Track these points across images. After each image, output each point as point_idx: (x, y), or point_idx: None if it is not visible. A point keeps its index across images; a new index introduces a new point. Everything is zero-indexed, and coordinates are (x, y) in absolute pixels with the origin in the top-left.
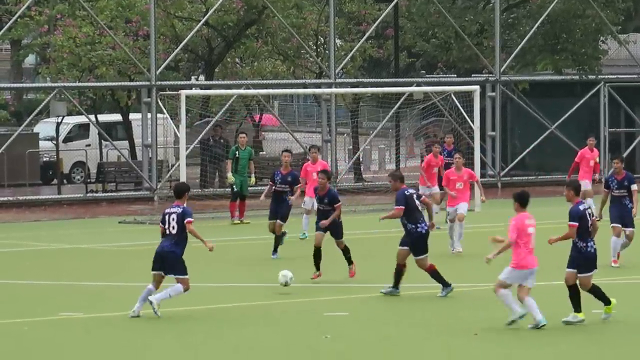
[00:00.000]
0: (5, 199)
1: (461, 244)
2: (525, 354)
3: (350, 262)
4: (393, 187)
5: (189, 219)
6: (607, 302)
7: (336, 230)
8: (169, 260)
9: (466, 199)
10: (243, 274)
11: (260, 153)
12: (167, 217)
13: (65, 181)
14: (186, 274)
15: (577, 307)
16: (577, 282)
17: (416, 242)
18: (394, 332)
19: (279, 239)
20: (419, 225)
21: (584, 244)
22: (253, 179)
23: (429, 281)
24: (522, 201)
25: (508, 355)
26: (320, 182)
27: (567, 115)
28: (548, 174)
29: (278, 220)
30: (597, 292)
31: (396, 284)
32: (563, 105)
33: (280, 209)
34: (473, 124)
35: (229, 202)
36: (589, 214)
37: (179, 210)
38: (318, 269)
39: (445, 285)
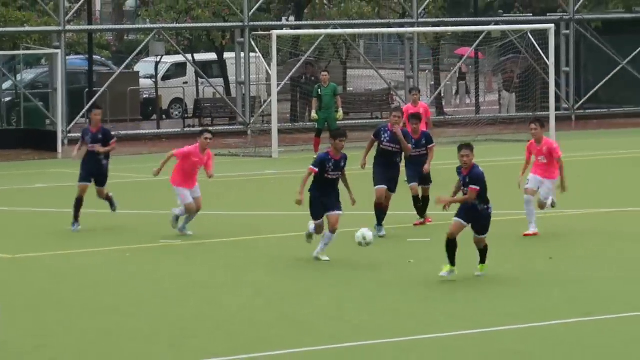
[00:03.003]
0: None
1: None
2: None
3: (424, 213)
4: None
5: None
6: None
7: (425, 177)
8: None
9: (554, 175)
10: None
11: (349, 89)
12: None
13: (164, 117)
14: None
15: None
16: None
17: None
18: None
19: None
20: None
21: (485, 206)
22: (340, 113)
23: None
24: None
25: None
26: (413, 127)
27: (637, 51)
28: (620, 107)
29: None
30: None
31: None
32: (634, 42)
33: None
34: (548, 60)
35: (314, 137)
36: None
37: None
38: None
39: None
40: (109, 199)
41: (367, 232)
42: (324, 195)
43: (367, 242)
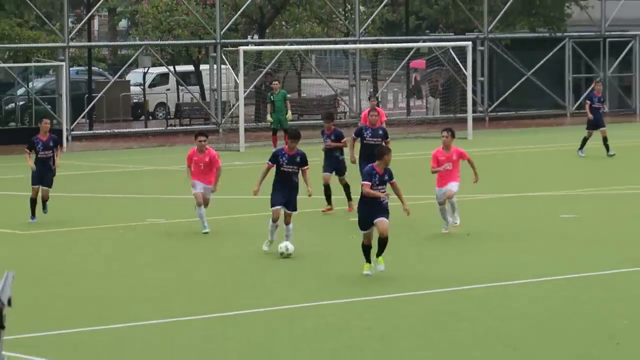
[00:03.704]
0: (104, 131)
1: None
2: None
3: (349, 198)
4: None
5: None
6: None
7: (340, 168)
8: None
9: (456, 179)
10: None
11: (302, 95)
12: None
13: (150, 117)
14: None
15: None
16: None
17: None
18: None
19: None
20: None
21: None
22: (289, 115)
23: None
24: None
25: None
26: (325, 126)
27: (539, 64)
28: (525, 110)
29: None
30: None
31: None
32: (537, 57)
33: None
34: (466, 71)
35: (271, 136)
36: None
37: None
38: (329, 203)
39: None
40: (46, 201)
41: (289, 245)
42: (282, 188)
43: (288, 254)
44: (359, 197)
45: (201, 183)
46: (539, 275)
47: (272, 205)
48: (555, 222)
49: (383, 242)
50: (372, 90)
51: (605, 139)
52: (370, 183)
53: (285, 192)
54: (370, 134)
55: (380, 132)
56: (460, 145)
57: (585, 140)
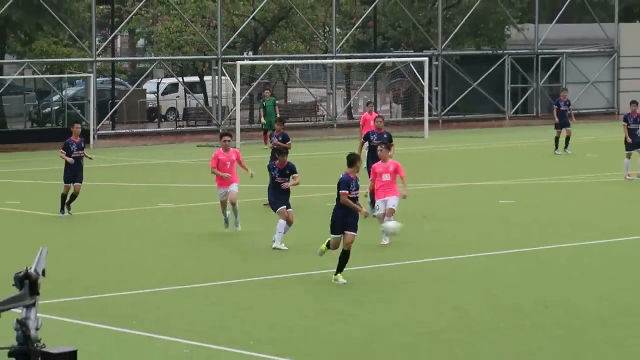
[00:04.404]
0: (124, 131)
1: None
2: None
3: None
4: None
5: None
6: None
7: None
8: None
9: (395, 192)
10: None
11: (288, 101)
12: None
13: (162, 120)
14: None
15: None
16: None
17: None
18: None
19: None
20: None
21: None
22: (278, 117)
23: None
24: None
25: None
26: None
27: (483, 76)
28: (471, 114)
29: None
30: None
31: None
32: (481, 70)
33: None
34: (423, 82)
35: (262, 134)
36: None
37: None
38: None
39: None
40: (77, 195)
41: (393, 225)
42: (279, 194)
43: (393, 232)
44: (335, 202)
45: (223, 189)
46: (481, 250)
47: (278, 207)
48: (495, 207)
49: (345, 256)
50: (367, 97)
51: (568, 138)
52: (348, 191)
53: (284, 197)
54: (376, 138)
55: (385, 135)
56: (417, 143)
57: (557, 140)
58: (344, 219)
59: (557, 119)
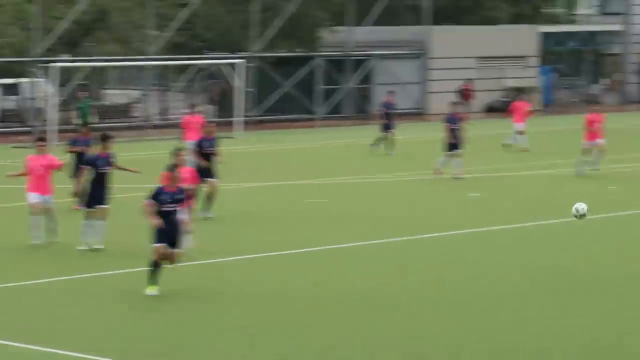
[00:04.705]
0: None
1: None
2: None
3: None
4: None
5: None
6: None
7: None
8: None
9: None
10: None
11: (104, 102)
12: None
13: None
14: None
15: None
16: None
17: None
18: None
19: None
20: None
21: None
22: (94, 117)
23: None
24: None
25: None
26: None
27: (295, 78)
28: (284, 115)
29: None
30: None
31: None
32: (294, 72)
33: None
34: (237, 84)
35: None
36: None
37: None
38: None
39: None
40: None
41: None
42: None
43: (580, 214)
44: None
45: (38, 195)
46: (283, 249)
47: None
48: (303, 205)
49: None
50: (183, 99)
51: (392, 140)
52: (154, 202)
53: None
54: (208, 145)
55: (214, 141)
56: (228, 144)
57: (379, 140)
58: (172, 235)
59: (385, 121)
